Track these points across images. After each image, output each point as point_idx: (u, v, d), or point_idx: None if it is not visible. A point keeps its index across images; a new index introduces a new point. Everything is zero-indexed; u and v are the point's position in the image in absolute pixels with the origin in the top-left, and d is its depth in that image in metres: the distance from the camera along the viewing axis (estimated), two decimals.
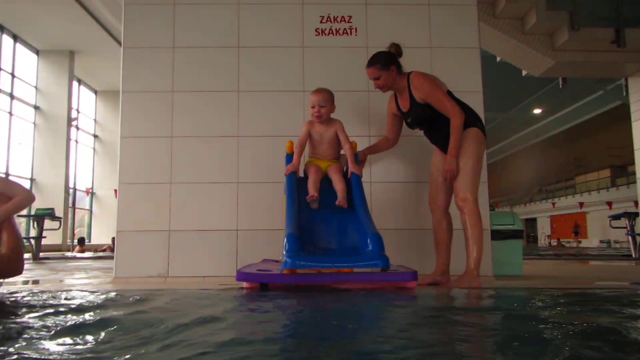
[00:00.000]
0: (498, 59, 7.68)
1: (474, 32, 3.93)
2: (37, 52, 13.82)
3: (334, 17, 3.96)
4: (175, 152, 3.82)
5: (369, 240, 2.50)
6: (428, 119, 3.17)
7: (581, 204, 20.30)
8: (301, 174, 3.14)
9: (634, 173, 20.23)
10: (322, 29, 3.96)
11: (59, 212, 12.41)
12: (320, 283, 2.33)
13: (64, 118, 13.83)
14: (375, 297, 2.08)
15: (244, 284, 2.36)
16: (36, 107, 13.93)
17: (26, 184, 13.68)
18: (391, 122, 3.47)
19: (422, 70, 3.24)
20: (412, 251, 3.74)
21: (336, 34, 3.95)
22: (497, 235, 4.05)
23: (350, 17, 3.96)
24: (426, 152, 3.73)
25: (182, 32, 3.94)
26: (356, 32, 3.96)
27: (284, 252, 2.34)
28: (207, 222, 3.74)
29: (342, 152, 3.32)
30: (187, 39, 3.93)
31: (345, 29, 3.96)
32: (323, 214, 2.86)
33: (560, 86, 8.53)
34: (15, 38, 12.83)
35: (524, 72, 7.51)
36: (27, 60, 13.67)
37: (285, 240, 2.40)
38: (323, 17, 3.96)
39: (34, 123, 13.90)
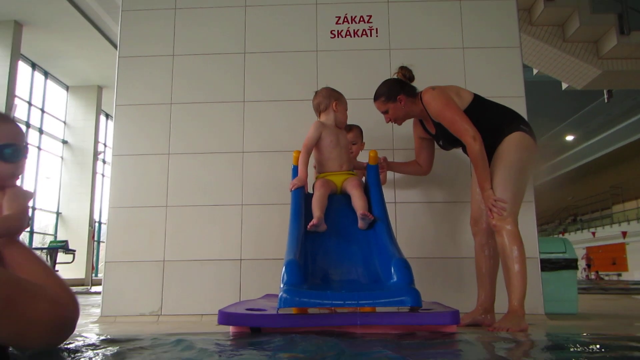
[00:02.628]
0: (535, 71, 7.08)
1: (514, 29, 3.41)
2: (67, 88, 14.10)
3: (351, 17, 3.50)
4: (172, 171, 3.36)
5: (393, 270, 1.92)
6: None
7: (624, 233, 19.17)
8: (310, 190, 2.61)
9: None
10: (338, 31, 3.50)
11: (82, 246, 12.26)
12: (325, 328, 1.75)
13: (91, 151, 13.94)
14: (400, 347, 1.52)
15: (231, 329, 1.82)
16: (64, 142, 14.10)
17: (52, 218, 13.71)
18: (419, 146, 2.98)
19: (437, 85, 2.71)
20: (447, 284, 3.16)
21: (354, 36, 3.49)
22: (545, 265, 3.43)
23: (370, 16, 3.50)
24: (463, 167, 3.20)
25: (181, 40, 3.53)
26: (377, 33, 3.49)
27: (281, 286, 1.80)
28: (206, 251, 3.24)
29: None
30: (186, 46, 3.52)
31: (364, 29, 3.50)
32: (335, 237, 2.29)
33: (606, 100, 7.84)
34: (47, 75, 13.07)
35: (564, 86, 6.88)
36: (56, 96, 13.94)
37: (284, 270, 1.86)
38: (339, 17, 3.51)
39: (61, 157, 14.04)
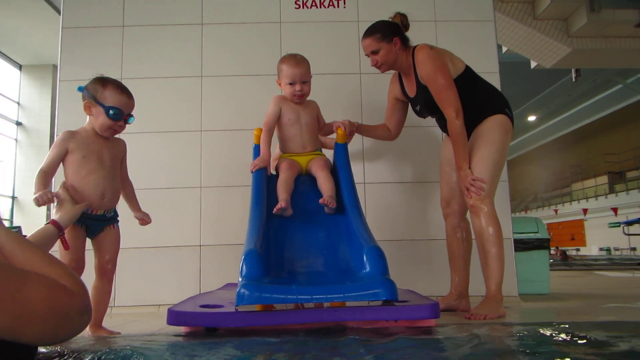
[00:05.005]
0: (504, 49, 6.99)
1: (488, 3, 3.28)
2: (20, 67, 13.45)
3: None
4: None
5: (365, 259, 1.74)
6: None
7: (585, 211, 19.73)
8: (273, 171, 2.41)
9: (633, 179, 20.00)
10: (303, 1, 3.28)
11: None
12: (289, 326, 1.55)
13: (47, 133, 13.45)
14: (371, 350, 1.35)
15: (183, 328, 1.62)
16: (18, 123, 13.51)
17: (8, 203, 13.17)
18: (392, 108, 2.75)
19: (430, 44, 2.53)
20: (417, 267, 3.03)
21: (320, 7, 3.28)
22: (518, 245, 3.34)
23: None
24: (434, 144, 3.04)
25: (132, 9, 3.24)
26: (344, 3, 3.28)
27: (240, 279, 1.60)
28: (163, 237, 3.02)
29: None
30: (137, 17, 3.23)
31: (331, 0, 3.28)
32: (301, 223, 2.09)
33: (574, 79, 7.84)
34: None
35: (533, 64, 6.81)
36: (9, 75, 13.28)
37: (242, 261, 1.66)
38: None
39: (15, 139, 13.45)
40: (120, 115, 1.99)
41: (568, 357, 1.23)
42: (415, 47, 2.52)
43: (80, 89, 2.05)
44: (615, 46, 5.88)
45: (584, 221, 23.90)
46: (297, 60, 2.37)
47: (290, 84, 2.35)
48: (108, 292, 2.11)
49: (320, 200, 2.11)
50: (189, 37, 3.23)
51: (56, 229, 1.77)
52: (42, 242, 1.69)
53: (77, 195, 1.91)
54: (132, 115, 2.06)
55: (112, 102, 1.98)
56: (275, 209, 2.04)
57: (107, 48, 3.20)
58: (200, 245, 3.02)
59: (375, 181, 3.15)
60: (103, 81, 2.01)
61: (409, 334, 1.50)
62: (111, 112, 1.96)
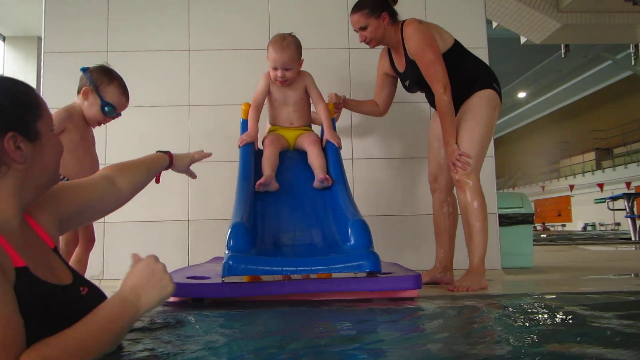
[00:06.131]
0: (494, 25, 6.96)
1: None
2: (3, 39, 13.16)
3: None
4: (111, 127, 3.05)
5: (350, 231, 1.78)
6: None
7: (571, 187, 19.94)
8: (260, 146, 2.41)
9: (620, 155, 20.20)
10: None
11: None
12: (274, 297, 1.60)
13: None
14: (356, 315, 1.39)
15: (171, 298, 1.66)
16: None
17: None
18: (381, 84, 2.74)
19: (419, 18, 2.51)
20: (404, 242, 3.08)
21: None
22: (503, 220, 3.40)
23: None
24: (423, 120, 3.06)
25: None
26: None
27: (226, 252, 1.63)
28: (151, 212, 3.03)
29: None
30: None
31: None
32: (288, 197, 2.12)
33: (563, 55, 7.84)
34: None
35: (522, 40, 6.80)
36: None
37: (229, 233, 1.69)
38: None
39: None
40: (113, 114, 2.07)
41: (544, 326, 1.27)
42: (404, 21, 2.51)
43: (83, 69, 2.04)
44: (605, 21, 5.87)
45: (571, 197, 24.21)
46: (282, 46, 2.31)
47: (274, 68, 2.33)
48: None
49: (320, 176, 2.11)
50: (176, 10, 3.18)
51: (168, 162, 1.72)
52: (150, 164, 1.67)
53: (77, 175, 1.90)
54: (120, 114, 2.16)
55: (112, 99, 2.04)
56: (257, 185, 2.05)
57: (92, 19, 3.15)
58: (188, 220, 3.04)
59: (363, 157, 3.17)
60: (109, 75, 2.05)
61: (391, 305, 1.54)
62: (107, 109, 2.03)
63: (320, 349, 1.01)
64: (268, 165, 2.16)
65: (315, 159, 2.25)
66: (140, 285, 1.04)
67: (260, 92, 2.38)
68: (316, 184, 2.17)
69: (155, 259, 1.12)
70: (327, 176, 2.13)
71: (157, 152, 1.74)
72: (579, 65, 17.78)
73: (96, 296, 1.10)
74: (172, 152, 1.74)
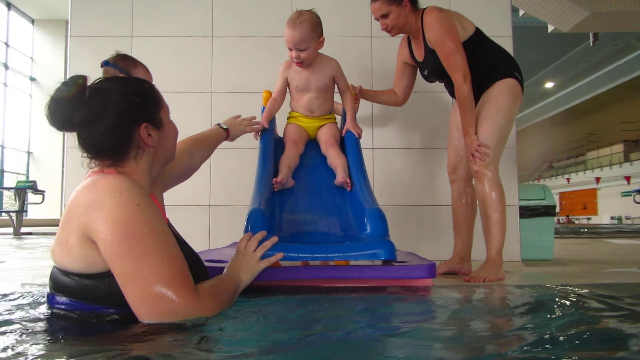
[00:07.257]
0: (521, 13, 6.81)
1: None
2: (32, 22, 13.39)
3: None
4: None
5: (366, 220, 1.79)
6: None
7: (597, 179, 19.54)
8: (280, 134, 2.43)
9: None
10: None
11: (57, 186, 11.97)
12: (290, 282, 1.63)
13: None
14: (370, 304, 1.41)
15: None
16: (32, 79, 13.50)
17: (23, 158, 13.27)
18: (400, 72, 2.73)
19: (440, 6, 2.48)
20: (423, 233, 3.08)
21: None
22: (524, 212, 3.38)
23: None
24: (444, 110, 3.04)
25: None
26: None
27: None
28: (174, 197, 3.05)
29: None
30: None
31: None
32: (307, 186, 2.13)
33: (592, 44, 7.65)
34: (9, 6, 12.30)
35: (550, 29, 6.64)
36: (21, 30, 13.26)
37: (246, 219, 1.72)
38: None
39: (30, 95, 13.46)
40: None
41: (558, 317, 1.27)
42: (424, 9, 2.48)
43: (106, 63, 2.05)
44: (635, 8, 5.67)
45: (597, 190, 23.76)
46: (295, 23, 2.17)
47: (289, 49, 2.24)
48: None
49: (339, 180, 2.10)
50: None
51: (225, 136, 2.02)
52: (215, 140, 1.97)
53: None
54: None
55: None
56: (273, 182, 2.05)
57: (117, 4, 3.20)
58: (209, 205, 3.09)
59: (383, 146, 3.17)
60: (132, 59, 2.10)
61: (405, 293, 1.56)
62: None
63: (335, 337, 1.03)
64: (286, 165, 2.15)
65: (334, 160, 2.21)
66: (237, 267, 1.45)
67: (278, 90, 2.38)
68: (337, 182, 2.15)
69: (245, 242, 1.54)
70: (348, 180, 2.10)
71: (216, 125, 2.03)
72: (609, 54, 17.33)
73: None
74: (216, 125, 2.04)
